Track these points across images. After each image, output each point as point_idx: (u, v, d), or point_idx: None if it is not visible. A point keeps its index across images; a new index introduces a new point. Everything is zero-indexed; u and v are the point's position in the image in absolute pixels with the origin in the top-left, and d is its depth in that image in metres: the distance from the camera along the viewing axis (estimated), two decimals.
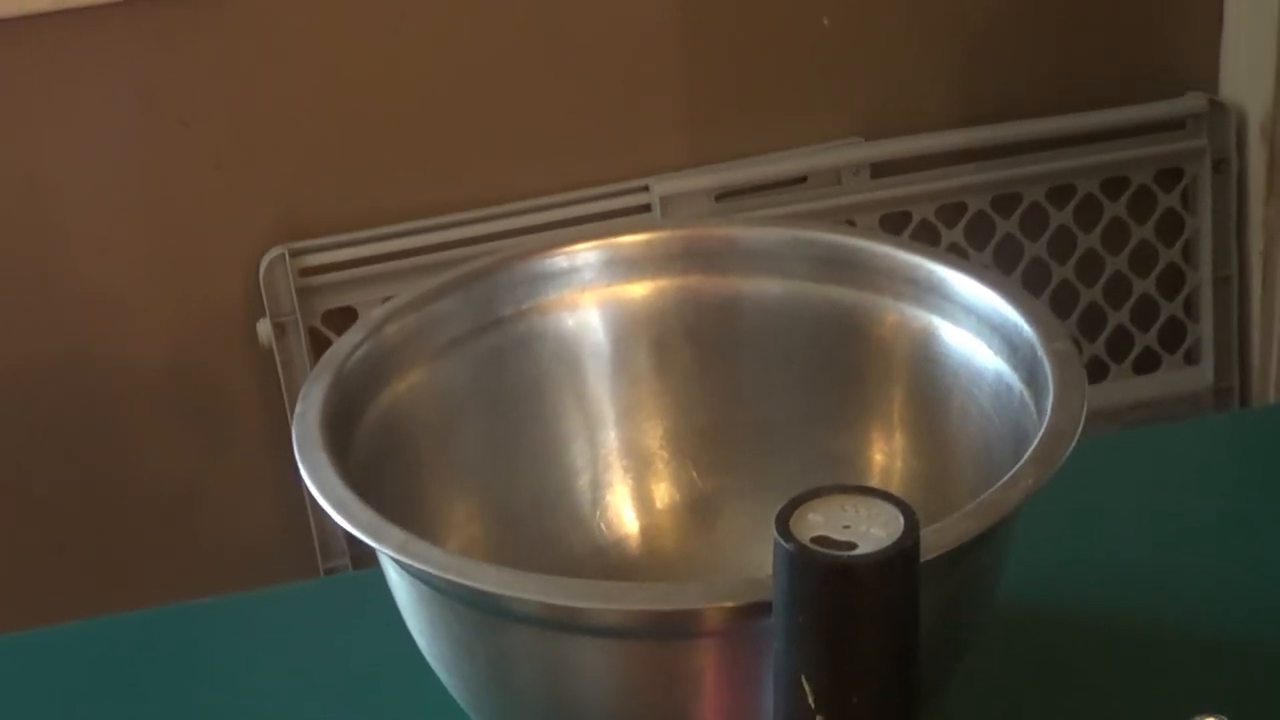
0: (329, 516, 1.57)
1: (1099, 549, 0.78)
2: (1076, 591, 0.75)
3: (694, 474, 0.74)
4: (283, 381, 1.49)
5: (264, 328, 1.48)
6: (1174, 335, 1.66)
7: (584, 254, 0.73)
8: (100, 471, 1.52)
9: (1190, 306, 1.66)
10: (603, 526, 0.73)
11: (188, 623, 0.80)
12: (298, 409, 0.63)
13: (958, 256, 0.69)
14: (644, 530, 0.74)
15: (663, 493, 0.74)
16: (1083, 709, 0.59)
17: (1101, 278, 1.63)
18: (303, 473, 0.60)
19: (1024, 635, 0.72)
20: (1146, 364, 1.66)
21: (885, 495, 0.49)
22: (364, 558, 1.52)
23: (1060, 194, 1.60)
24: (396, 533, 0.56)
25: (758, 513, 0.70)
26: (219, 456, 1.55)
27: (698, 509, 0.74)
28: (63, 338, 1.48)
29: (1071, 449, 0.58)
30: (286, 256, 1.47)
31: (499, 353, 0.72)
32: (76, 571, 1.54)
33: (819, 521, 0.48)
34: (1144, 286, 1.64)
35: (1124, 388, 1.65)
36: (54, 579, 1.52)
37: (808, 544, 0.47)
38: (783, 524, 0.48)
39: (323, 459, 0.60)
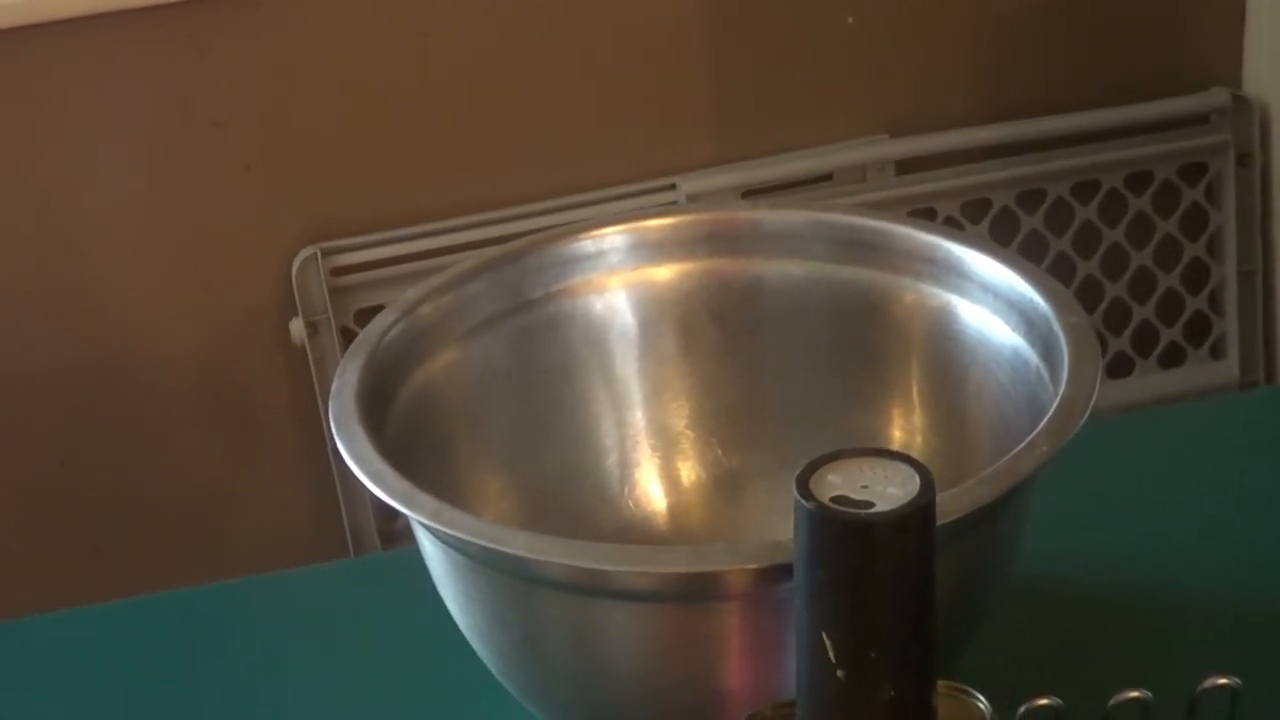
0: (361, 510, 1.58)
1: (1118, 526, 0.79)
2: (1096, 568, 0.76)
3: (719, 452, 0.75)
4: (315, 380, 1.51)
5: (297, 327, 1.50)
6: (1199, 330, 1.67)
7: (611, 238, 0.75)
8: (134, 472, 1.54)
9: (1215, 301, 1.67)
10: (631, 504, 0.75)
11: (224, 601, 0.82)
12: (334, 386, 0.65)
13: (974, 236, 0.71)
14: (671, 507, 0.75)
15: (689, 470, 0.76)
16: (1099, 679, 0.60)
17: (1126, 273, 1.64)
18: (339, 445, 0.62)
19: (1043, 609, 0.73)
20: (1172, 359, 1.67)
21: (901, 456, 0.50)
22: None
23: (1085, 189, 1.61)
24: (430, 501, 0.58)
25: (781, 489, 0.71)
26: (253, 456, 1.57)
27: (723, 486, 0.76)
28: (96, 340, 1.50)
29: (1085, 418, 0.59)
30: (319, 256, 1.49)
31: (529, 334, 0.74)
32: (111, 573, 1.55)
33: (838, 482, 0.50)
34: (1169, 281, 1.65)
35: (1149, 382, 1.66)
36: (89, 581, 1.54)
37: (827, 503, 0.49)
38: (803, 484, 0.49)
39: (358, 432, 0.62)
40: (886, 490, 0.49)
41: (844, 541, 0.49)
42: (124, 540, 1.56)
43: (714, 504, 0.75)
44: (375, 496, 1.40)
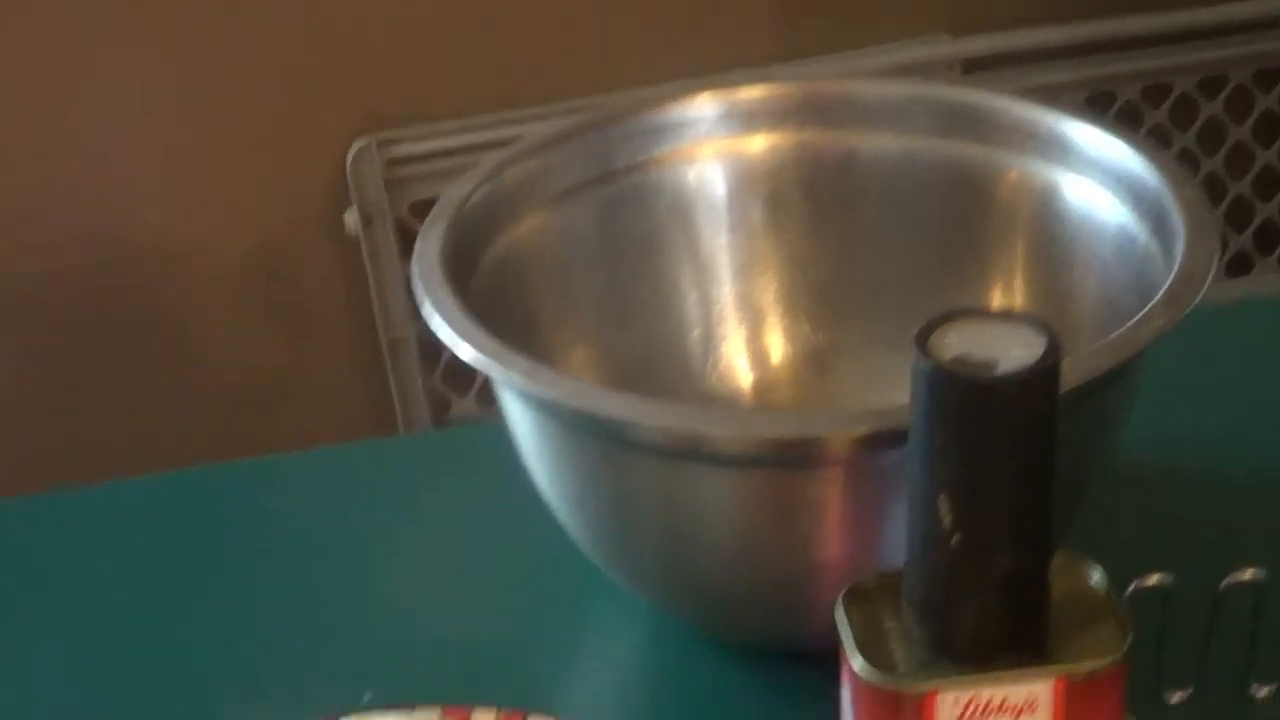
0: (415, 401, 1.55)
1: (1227, 411, 0.77)
2: (1202, 452, 0.74)
3: (807, 328, 0.73)
4: (369, 273, 1.50)
5: (351, 218, 1.49)
6: None
7: (700, 106, 0.72)
8: (187, 364, 1.54)
9: None
10: (715, 379, 0.73)
11: (289, 472, 0.81)
12: (416, 248, 0.64)
13: (1080, 108, 0.68)
14: (756, 383, 0.74)
15: (776, 346, 0.74)
16: (1208, 560, 0.58)
17: (1251, 171, 1.60)
18: (425, 307, 0.60)
19: (1148, 492, 0.70)
20: None
21: (1025, 317, 0.48)
22: None
23: (1157, 93, 1.57)
24: (522, 361, 0.56)
25: (872, 366, 0.70)
26: (305, 348, 1.56)
27: (810, 362, 0.74)
28: (148, 232, 1.49)
29: (1204, 291, 0.57)
30: (374, 147, 1.47)
31: (615, 204, 0.72)
32: (162, 469, 1.55)
33: (956, 342, 0.48)
34: None
35: (1269, 281, 1.63)
36: (141, 470, 1.54)
37: (948, 363, 0.47)
38: (922, 343, 0.47)
39: (445, 295, 0.60)
40: (1010, 350, 0.47)
41: (966, 403, 0.47)
42: (175, 432, 1.55)
43: (800, 380, 0.73)
44: (429, 385, 1.37)
